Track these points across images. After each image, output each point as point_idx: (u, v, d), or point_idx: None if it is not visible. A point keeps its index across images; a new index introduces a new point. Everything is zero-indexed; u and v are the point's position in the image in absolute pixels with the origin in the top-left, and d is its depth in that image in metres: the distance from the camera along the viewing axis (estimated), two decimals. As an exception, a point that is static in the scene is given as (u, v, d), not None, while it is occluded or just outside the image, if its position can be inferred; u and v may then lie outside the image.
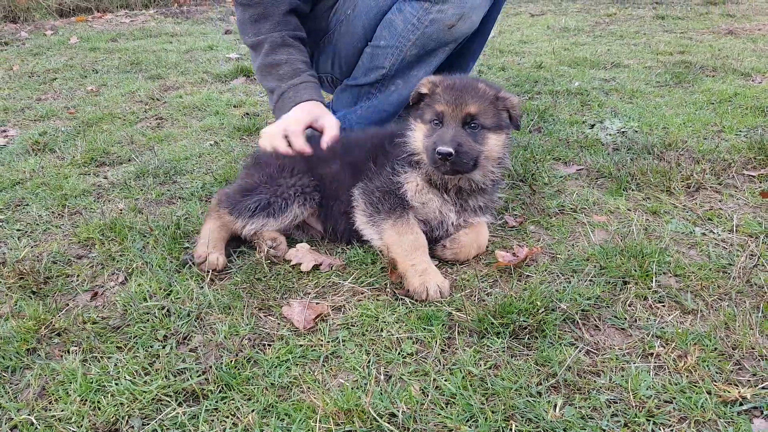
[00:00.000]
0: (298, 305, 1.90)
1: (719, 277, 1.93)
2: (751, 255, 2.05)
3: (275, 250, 2.15)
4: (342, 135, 2.42)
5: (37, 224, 2.55)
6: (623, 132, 3.12)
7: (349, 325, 1.83)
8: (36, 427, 1.48)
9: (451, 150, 1.90)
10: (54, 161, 3.34)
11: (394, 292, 1.97)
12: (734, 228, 2.22)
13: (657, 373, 1.57)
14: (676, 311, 1.81)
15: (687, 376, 1.55)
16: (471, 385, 1.55)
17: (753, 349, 1.62)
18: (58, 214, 2.65)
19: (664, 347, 1.65)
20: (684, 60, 4.58)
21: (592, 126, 3.30)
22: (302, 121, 2.45)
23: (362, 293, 1.99)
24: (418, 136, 2.08)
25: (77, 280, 2.11)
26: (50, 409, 1.52)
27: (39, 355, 1.72)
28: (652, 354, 1.63)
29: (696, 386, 1.51)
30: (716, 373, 1.55)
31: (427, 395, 1.53)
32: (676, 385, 1.52)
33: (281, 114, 2.54)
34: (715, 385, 1.50)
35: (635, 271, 1.95)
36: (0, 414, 1.52)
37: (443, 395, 1.53)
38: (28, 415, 1.50)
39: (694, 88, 3.91)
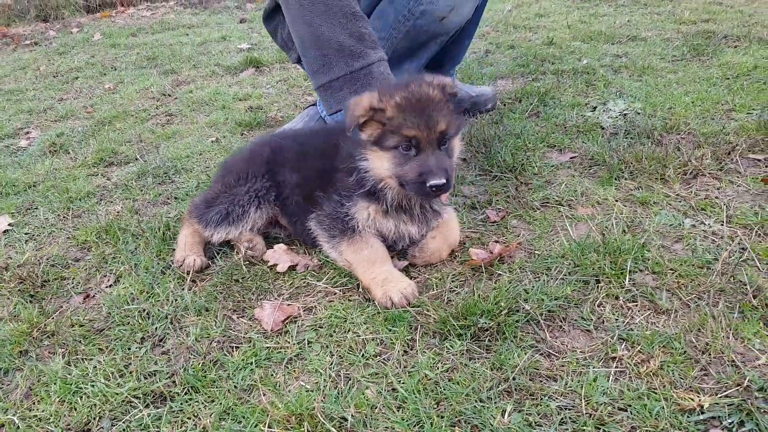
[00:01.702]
0: (270, 307, 1.94)
1: (701, 274, 1.86)
2: (741, 249, 1.96)
3: (252, 251, 2.20)
4: (296, 136, 2.38)
5: (44, 228, 2.67)
6: (625, 114, 3.01)
7: (318, 327, 1.86)
8: (18, 427, 1.58)
9: (444, 181, 1.82)
10: (67, 162, 3.47)
11: (366, 294, 1.98)
12: (727, 219, 2.12)
13: (617, 378, 1.54)
14: (648, 311, 1.75)
15: (647, 382, 1.51)
16: (425, 389, 1.56)
17: (722, 353, 1.56)
18: (63, 217, 2.77)
19: (629, 350, 1.62)
20: (706, 29, 4.34)
21: (594, 108, 3.19)
22: None
23: (334, 294, 2.02)
24: (383, 165, 1.92)
25: (72, 283, 2.22)
26: (33, 410, 1.63)
27: (30, 357, 1.82)
28: (614, 358, 1.60)
29: (654, 393, 1.47)
30: (679, 378, 1.51)
31: (381, 398, 1.55)
32: (634, 391, 1.49)
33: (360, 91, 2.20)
34: (675, 392, 1.46)
35: (609, 269, 1.90)
36: (-13, 414, 1.63)
37: (396, 399, 1.55)
38: (13, 415, 1.60)
39: (711, 61, 3.71)
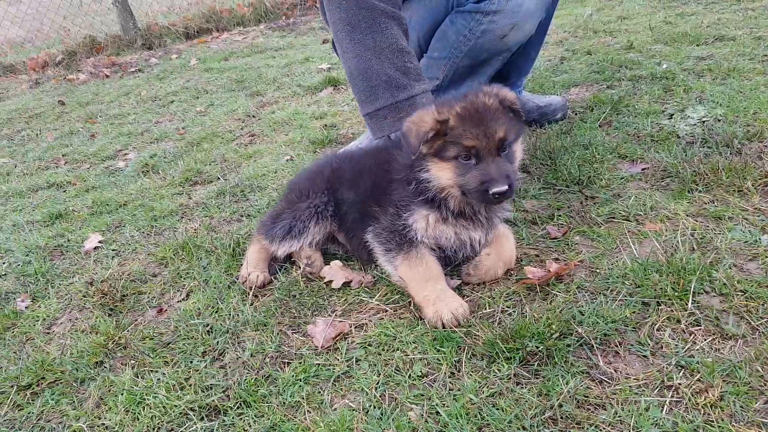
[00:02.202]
0: (322, 323, 2.00)
1: (776, 296, 1.71)
2: (825, 268, 1.78)
3: (310, 267, 2.28)
4: (352, 157, 2.44)
5: (129, 245, 2.91)
6: (704, 122, 2.81)
7: (367, 345, 1.89)
8: (88, 434, 1.73)
9: (506, 188, 1.86)
10: (156, 182, 3.76)
11: (417, 312, 1.99)
12: (811, 235, 1.93)
13: (671, 409, 1.45)
14: (713, 336, 1.63)
15: (704, 413, 1.41)
16: (467, 414, 1.55)
17: (791, 384, 1.43)
18: (147, 234, 3.00)
19: (687, 378, 1.51)
20: (807, 24, 3.97)
21: (671, 116, 3.00)
22: None
23: (386, 311, 2.04)
24: (446, 175, 1.96)
25: (148, 298, 2.40)
26: (102, 418, 1.77)
27: (104, 368, 1.99)
28: (670, 386, 1.50)
29: (711, 426, 1.37)
30: (740, 411, 1.39)
31: (422, 422, 1.55)
32: (689, 423, 1.39)
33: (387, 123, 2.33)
34: (734, 426, 1.35)
35: (672, 290, 1.78)
36: (64, 420, 1.80)
37: (438, 423, 1.54)
38: (83, 423, 1.76)
39: (809, 59, 3.39)
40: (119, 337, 2.11)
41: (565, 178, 2.61)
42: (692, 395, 1.46)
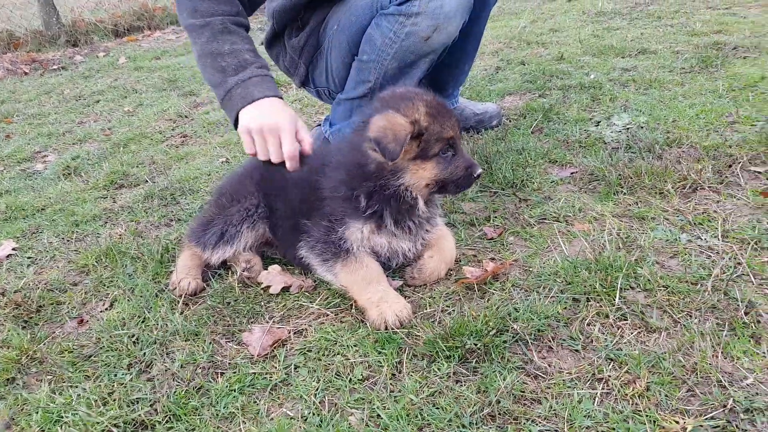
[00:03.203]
0: (259, 331, 1.94)
1: (693, 290, 1.80)
2: (737, 264, 1.90)
3: (249, 272, 2.21)
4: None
5: (46, 252, 2.72)
6: (628, 128, 2.96)
7: (306, 351, 1.85)
8: (0, 456, 1.59)
9: (481, 170, 2.05)
10: (78, 185, 3.55)
11: (359, 315, 1.97)
12: (723, 233, 2.05)
13: (602, 400, 1.49)
14: (639, 330, 1.70)
15: (633, 404, 1.46)
16: (408, 415, 1.53)
17: (709, 374, 1.50)
18: (67, 240, 2.82)
19: (616, 371, 1.57)
20: (717, 41, 4.26)
21: (598, 123, 3.14)
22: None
23: (326, 316, 2.01)
24: (428, 173, 1.97)
25: (67, 308, 2.25)
26: (13, 439, 1.64)
27: (17, 386, 1.84)
28: (600, 379, 1.55)
29: (639, 415, 1.42)
30: (665, 400, 1.46)
31: (363, 425, 1.53)
32: (618, 413, 1.44)
33: (230, 115, 2.34)
34: (660, 415, 1.41)
35: (601, 286, 1.85)
36: (-30, 443, 1.65)
37: (379, 426, 1.52)
38: (-6, 443, 1.62)
39: (719, 73, 3.63)
40: (34, 351, 1.96)
41: (500, 181, 2.66)
42: (621, 387, 1.51)
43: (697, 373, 1.51)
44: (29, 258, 2.69)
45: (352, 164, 2.04)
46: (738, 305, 1.70)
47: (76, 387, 1.79)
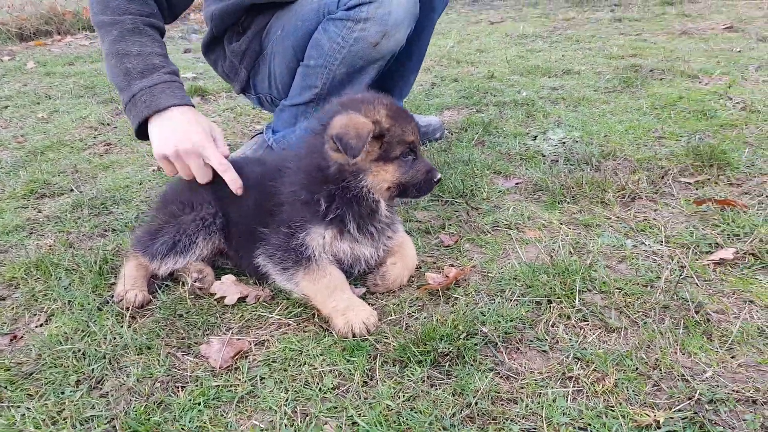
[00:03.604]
0: (218, 342, 1.85)
1: (645, 292, 1.92)
2: (681, 267, 2.04)
3: (201, 282, 2.10)
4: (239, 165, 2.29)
5: (-37, 265, 2.46)
6: (564, 142, 3.12)
7: (271, 362, 1.78)
8: (-66, 489, 1.41)
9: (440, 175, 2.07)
10: (-7, 195, 3.26)
11: (321, 324, 1.92)
12: (665, 239, 2.21)
13: (575, 398, 1.55)
14: (600, 330, 1.79)
15: (604, 400, 1.52)
16: (386, 420, 1.51)
17: (672, 368, 1.60)
18: (-13, 253, 2.57)
19: (584, 369, 1.63)
20: (634, 63, 4.62)
21: (535, 138, 3.30)
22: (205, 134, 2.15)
23: (288, 326, 1.95)
24: (389, 176, 1.96)
25: (-3, 324, 2.04)
26: (-53, 470, 1.46)
27: (-55, 409, 1.65)
28: (571, 377, 1.61)
29: (612, 411, 1.49)
30: (633, 395, 1.53)
31: (341, 433, 1.49)
32: (592, 409, 1.50)
33: (133, 122, 2.23)
34: (631, 409, 1.48)
35: (560, 289, 1.93)
36: None
37: (357, 432, 1.49)
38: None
39: (640, 93, 3.94)
40: (-39, 371, 1.77)
41: (450, 190, 2.72)
42: (591, 384, 1.57)
43: (660, 369, 1.60)
44: (-57, 272, 2.42)
45: (311, 167, 2.00)
46: (688, 305, 1.83)
47: (18, 407, 1.62)
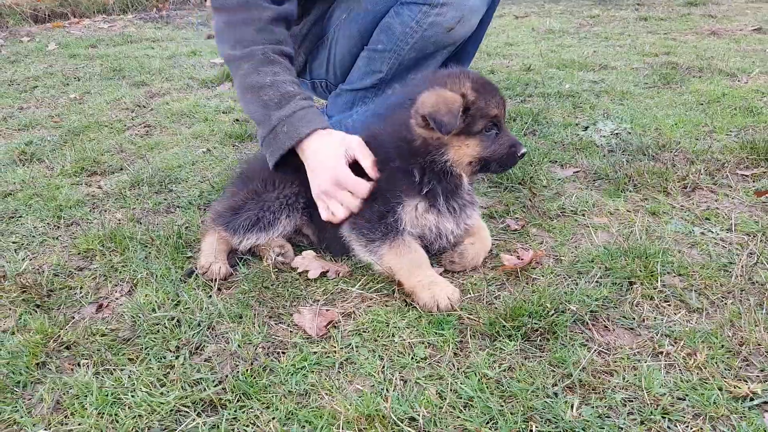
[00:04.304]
0: (309, 312, 1.90)
1: (721, 276, 1.98)
2: (751, 254, 2.10)
3: (283, 257, 2.15)
4: None
5: (33, 236, 2.51)
6: (617, 133, 3.18)
7: (361, 331, 1.84)
8: (52, 442, 1.46)
9: (526, 149, 2.07)
10: (43, 171, 3.29)
11: (404, 299, 1.97)
12: (732, 227, 2.27)
13: (668, 372, 1.60)
14: (682, 310, 1.84)
15: (697, 374, 1.58)
16: (488, 388, 1.57)
17: (759, 345, 1.66)
18: (54, 226, 2.61)
19: (673, 345, 1.69)
20: (670, 61, 4.67)
21: (586, 128, 3.35)
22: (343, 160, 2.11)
23: (371, 299, 2.00)
24: (471, 150, 1.99)
25: (81, 293, 2.08)
26: (67, 423, 1.50)
27: (49, 369, 1.69)
28: (662, 353, 1.66)
29: (707, 383, 1.54)
30: (725, 369, 1.59)
31: (445, 399, 1.54)
32: (687, 382, 1.55)
33: (275, 155, 2.21)
34: (726, 382, 1.54)
35: (641, 271, 1.98)
36: (16, 430, 1.50)
37: (461, 398, 1.54)
38: (45, 429, 1.48)
39: (682, 89, 3.99)
40: (60, 335, 1.81)
41: (510, 178, 2.77)
42: (683, 359, 1.63)
43: (747, 346, 1.66)
44: (14, 243, 2.46)
45: (399, 140, 2.06)
46: (764, 289, 1.89)
47: (123, 370, 1.67)
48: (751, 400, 1.49)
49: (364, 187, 2.06)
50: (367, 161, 2.08)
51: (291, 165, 2.24)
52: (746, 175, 2.68)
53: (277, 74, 2.24)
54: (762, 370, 1.58)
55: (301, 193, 2.21)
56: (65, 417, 1.53)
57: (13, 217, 2.71)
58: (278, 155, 2.20)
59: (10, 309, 1.98)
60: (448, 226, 2.09)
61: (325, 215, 2.14)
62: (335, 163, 2.08)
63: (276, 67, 2.26)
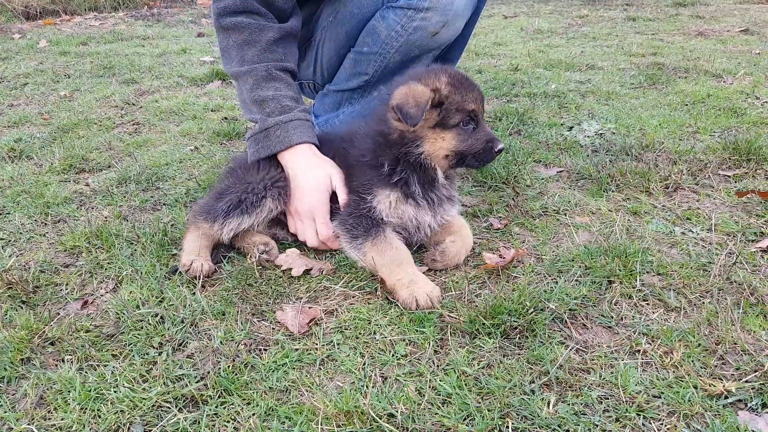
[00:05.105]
0: (291, 310, 1.91)
1: (700, 275, 2.01)
2: (730, 254, 2.13)
3: (267, 254, 2.17)
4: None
5: (21, 233, 2.51)
6: (601, 134, 3.21)
7: (343, 329, 1.86)
8: (37, 438, 1.47)
9: (503, 145, 2.08)
10: (32, 168, 3.29)
11: (386, 296, 1.99)
12: (713, 227, 2.30)
13: (644, 370, 1.63)
14: (660, 309, 1.87)
15: (673, 372, 1.61)
16: (466, 385, 1.59)
17: (735, 344, 1.69)
18: (42, 223, 2.61)
19: (651, 344, 1.71)
20: (656, 62, 4.71)
21: (571, 128, 3.38)
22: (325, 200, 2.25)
23: (354, 297, 2.02)
24: (447, 144, 2.03)
25: (66, 289, 2.09)
26: (50, 418, 1.52)
27: (34, 365, 1.70)
28: (639, 351, 1.69)
29: (682, 381, 1.57)
30: (701, 368, 1.62)
31: (424, 395, 1.56)
32: (663, 380, 1.58)
33: (261, 152, 2.31)
34: (701, 380, 1.57)
35: (620, 270, 2.01)
36: (-2, 425, 1.51)
37: (439, 395, 1.57)
38: (29, 424, 1.49)
39: (667, 89, 4.03)
40: (45, 331, 1.82)
41: (494, 177, 2.80)
42: (659, 357, 1.66)
43: (723, 345, 1.68)
44: (2, 239, 2.46)
45: (377, 133, 2.13)
46: (742, 288, 1.92)
47: (106, 365, 1.68)
48: (726, 398, 1.52)
49: (325, 234, 2.22)
50: (343, 196, 2.21)
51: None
52: (728, 176, 2.71)
53: (279, 90, 2.40)
54: (737, 369, 1.61)
55: (285, 177, 2.25)
56: (48, 412, 1.54)
57: (0, 214, 2.71)
58: (264, 154, 2.29)
59: (-5, 305, 1.99)
60: (426, 218, 2.14)
61: (293, 229, 2.32)
62: (319, 197, 2.22)
63: (278, 83, 2.41)
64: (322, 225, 2.22)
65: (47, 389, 1.61)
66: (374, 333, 1.83)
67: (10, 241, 2.46)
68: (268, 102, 2.35)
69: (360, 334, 1.83)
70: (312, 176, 2.23)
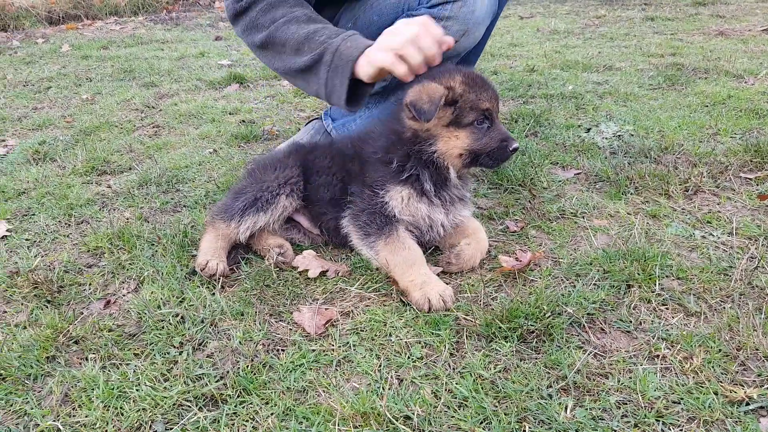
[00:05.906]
0: (308, 311, 1.93)
1: (721, 280, 1.99)
2: (751, 258, 2.10)
3: (283, 256, 2.19)
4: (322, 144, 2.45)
5: (45, 234, 2.57)
6: (619, 135, 3.18)
7: (359, 330, 1.87)
8: (62, 434, 1.50)
9: (518, 144, 2.08)
10: (55, 170, 3.36)
11: (401, 299, 2.00)
12: (734, 231, 2.27)
13: (664, 375, 1.62)
14: (680, 313, 1.86)
15: (693, 377, 1.59)
16: (482, 388, 1.59)
17: (757, 350, 1.67)
18: (65, 224, 2.67)
19: (670, 349, 1.70)
20: (676, 62, 4.66)
21: (588, 130, 3.36)
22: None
23: (369, 298, 2.03)
24: (461, 142, 2.04)
25: (89, 289, 2.14)
26: (74, 415, 1.55)
27: (59, 363, 1.75)
28: (658, 356, 1.68)
29: (702, 387, 1.56)
30: (722, 373, 1.60)
31: (440, 398, 1.57)
32: (683, 386, 1.57)
33: (337, 81, 2.22)
34: (722, 386, 1.55)
35: (638, 274, 1.99)
36: (26, 420, 1.55)
37: (455, 398, 1.57)
38: (54, 421, 1.52)
39: (687, 90, 3.98)
40: (69, 330, 1.86)
41: (510, 179, 2.79)
42: (679, 362, 1.64)
43: (745, 350, 1.67)
44: (27, 240, 2.52)
45: (390, 132, 2.15)
46: (764, 293, 1.89)
47: (128, 364, 1.72)
48: (747, 404, 1.50)
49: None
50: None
51: (297, 155, 2.35)
52: (750, 179, 2.68)
53: (326, 24, 2.40)
54: (759, 375, 1.59)
55: (302, 178, 2.27)
56: (73, 409, 1.58)
57: (26, 215, 2.77)
58: (349, 69, 2.20)
59: (22, 304, 2.05)
60: (439, 216, 2.14)
61: (391, 62, 2.13)
62: (420, 30, 2.13)
63: (320, 23, 2.40)
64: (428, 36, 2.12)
65: (72, 387, 1.64)
66: (390, 335, 1.84)
67: (35, 241, 2.51)
68: (319, 32, 2.30)
69: (376, 335, 1.84)
70: (412, 24, 2.16)
